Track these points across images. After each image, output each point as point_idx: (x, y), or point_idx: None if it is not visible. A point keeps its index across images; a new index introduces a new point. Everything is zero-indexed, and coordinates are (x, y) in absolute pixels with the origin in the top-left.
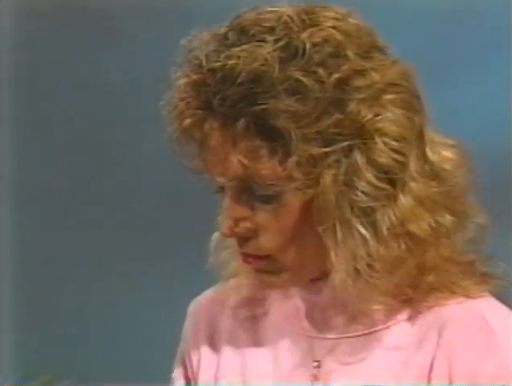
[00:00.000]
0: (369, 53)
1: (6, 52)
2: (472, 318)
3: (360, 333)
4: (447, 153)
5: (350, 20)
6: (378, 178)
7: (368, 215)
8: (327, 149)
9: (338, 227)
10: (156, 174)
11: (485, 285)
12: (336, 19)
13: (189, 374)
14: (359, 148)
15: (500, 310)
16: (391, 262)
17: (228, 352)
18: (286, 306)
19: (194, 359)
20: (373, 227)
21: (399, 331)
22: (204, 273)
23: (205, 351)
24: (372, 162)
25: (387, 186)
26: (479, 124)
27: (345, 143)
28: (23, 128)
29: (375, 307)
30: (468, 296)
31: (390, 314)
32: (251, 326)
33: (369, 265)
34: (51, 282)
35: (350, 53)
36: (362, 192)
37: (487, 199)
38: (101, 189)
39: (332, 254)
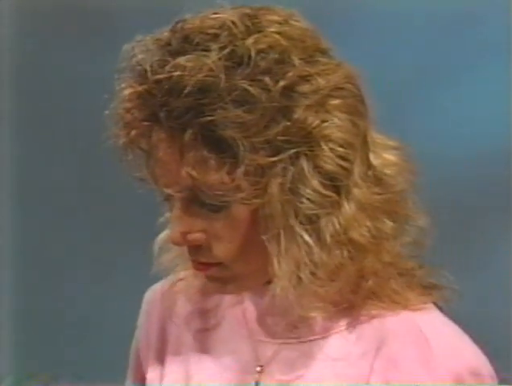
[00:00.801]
0: (314, 57)
1: (7, 52)
2: (410, 333)
3: (301, 339)
4: (389, 157)
5: (293, 23)
6: (324, 185)
7: (312, 223)
8: (275, 158)
9: (282, 235)
10: None
11: (428, 297)
12: (280, 23)
13: (141, 355)
14: (306, 155)
15: (440, 325)
16: (333, 269)
17: (174, 357)
18: (236, 311)
19: (144, 349)
20: (317, 234)
21: (338, 341)
22: None
23: (154, 347)
24: (318, 169)
25: (332, 194)
26: (479, 126)
27: (292, 151)
28: (24, 128)
29: (314, 314)
30: (409, 308)
31: (331, 322)
32: (201, 337)
33: (312, 273)
34: (51, 282)
35: (295, 58)
36: (308, 199)
37: (487, 199)
38: (102, 187)
39: (275, 262)
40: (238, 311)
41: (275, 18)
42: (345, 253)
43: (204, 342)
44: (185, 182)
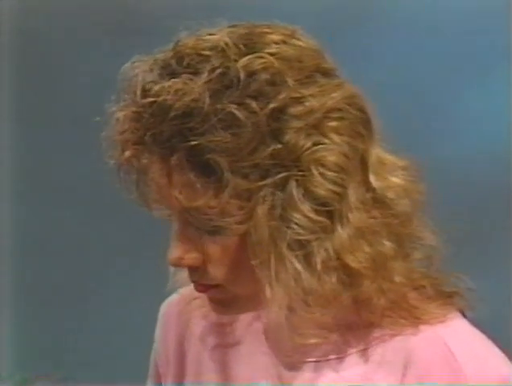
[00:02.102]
0: (311, 78)
1: (7, 51)
2: (435, 349)
3: (322, 359)
4: (394, 179)
5: (293, 42)
6: (315, 211)
7: (303, 248)
8: (262, 183)
9: (272, 261)
10: None
11: (449, 306)
12: (277, 43)
13: (160, 370)
14: (296, 180)
15: (464, 336)
16: (325, 296)
17: (194, 377)
18: (254, 328)
19: (164, 365)
20: (308, 260)
21: (361, 361)
22: None
23: (173, 363)
24: (308, 194)
25: (324, 219)
26: (480, 131)
27: (281, 175)
28: (24, 127)
29: (311, 341)
30: (431, 321)
31: (351, 342)
32: (220, 357)
33: (303, 300)
34: (51, 282)
35: (289, 80)
36: (297, 225)
37: (487, 204)
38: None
39: (267, 288)
40: (256, 328)
41: (274, 37)
42: (336, 279)
43: (224, 361)
44: (174, 206)
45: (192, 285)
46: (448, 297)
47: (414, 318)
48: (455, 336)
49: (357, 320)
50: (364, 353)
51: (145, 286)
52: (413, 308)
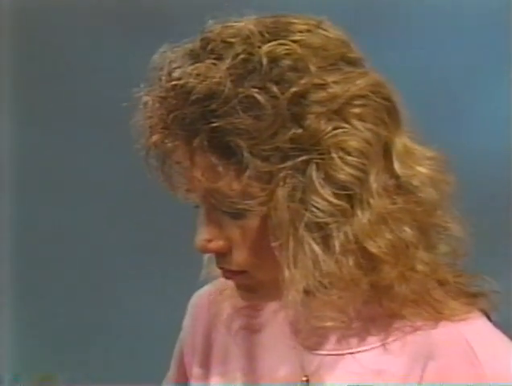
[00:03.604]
0: (336, 65)
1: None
2: (457, 347)
3: (344, 352)
4: (420, 168)
5: (319, 31)
6: (335, 195)
7: (321, 231)
8: (282, 165)
9: (291, 243)
10: None
11: (472, 305)
12: (301, 32)
13: (184, 359)
14: (316, 163)
15: (486, 335)
16: (343, 279)
17: (220, 366)
18: (279, 317)
19: (189, 355)
20: (326, 243)
21: (382, 353)
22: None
23: (200, 353)
24: (328, 178)
25: (344, 203)
26: (480, 129)
27: (301, 158)
28: (25, 125)
29: (328, 324)
30: (453, 318)
31: (372, 334)
32: (244, 342)
33: (320, 282)
34: (51, 282)
35: (312, 66)
36: (317, 208)
37: (487, 204)
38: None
39: (286, 270)
40: (281, 317)
41: (299, 26)
42: (354, 262)
43: (248, 349)
44: (198, 189)
45: (222, 279)
46: (471, 297)
47: (436, 313)
48: (477, 335)
49: (379, 310)
50: (384, 345)
51: (146, 286)
52: (436, 302)
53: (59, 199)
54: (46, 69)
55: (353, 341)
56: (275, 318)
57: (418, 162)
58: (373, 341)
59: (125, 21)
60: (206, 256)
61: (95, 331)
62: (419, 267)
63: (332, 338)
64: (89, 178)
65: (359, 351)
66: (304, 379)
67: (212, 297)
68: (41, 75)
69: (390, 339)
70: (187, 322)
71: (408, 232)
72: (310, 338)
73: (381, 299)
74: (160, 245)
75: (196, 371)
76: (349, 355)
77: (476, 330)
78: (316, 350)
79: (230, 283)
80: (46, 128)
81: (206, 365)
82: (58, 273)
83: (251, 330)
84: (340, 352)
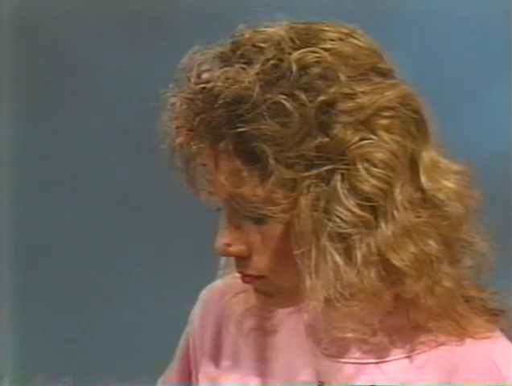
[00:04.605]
0: (365, 76)
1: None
2: (483, 365)
3: (364, 361)
4: (446, 183)
5: (351, 40)
6: (359, 206)
7: (344, 241)
8: (306, 174)
9: (313, 253)
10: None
11: (495, 323)
12: (332, 40)
13: (190, 352)
14: (341, 174)
15: (511, 354)
16: (364, 290)
17: (230, 365)
18: (293, 320)
19: (197, 350)
20: (348, 253)
21: (403, 365)
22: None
23: (208, 350)
24: (353, 189)
25: (367, 214)
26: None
27: (326, 167)
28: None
29: (349, 335)
30: (478, 336)
31: (395, 345)
32: (256, 343)
33: (341, 293)
34: (51, 281)
35: (342, 76)
36: (340, 218)
37: (487, 211)
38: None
39: (307, 279)
40: (295, 320)
41: (331, 34)
42: (376, 274)
43: (260, 350)
44: (221, 192)
45: (235, 275)
46: (493, 315)
47: (461, 328)
48: (502, 353)
49: (405, 322)
50: (409, 357)
51: (146, 286)
52: (460, 317)
53: (59, 196)
54: (46, 66)
55: (377, 351)
56: (289, 321)
57: (444, 176)
58: (397, 353)
59: (125, 22)
60: (223, 258)
61: (95, 330)
62: (446, 283)
63: (354, 347)
64: (89, 174)
65: (384, 361)
66: (319, 383)
67: (225, 297)
68: (41, 71)
69: (415, 352)
70: (196, 315)
71: (433, 245)
72: (331, 348)
73: (407, 311)
74: (161, 244)
75: (204, 367)
76: (373, 365)
77: (500, 348)
78: (336, 357)
79: (245, 284)
80: (46, 126)
81: (216, 362)
82: (58, 270)
83: (263, 332)
84: (362, 361)
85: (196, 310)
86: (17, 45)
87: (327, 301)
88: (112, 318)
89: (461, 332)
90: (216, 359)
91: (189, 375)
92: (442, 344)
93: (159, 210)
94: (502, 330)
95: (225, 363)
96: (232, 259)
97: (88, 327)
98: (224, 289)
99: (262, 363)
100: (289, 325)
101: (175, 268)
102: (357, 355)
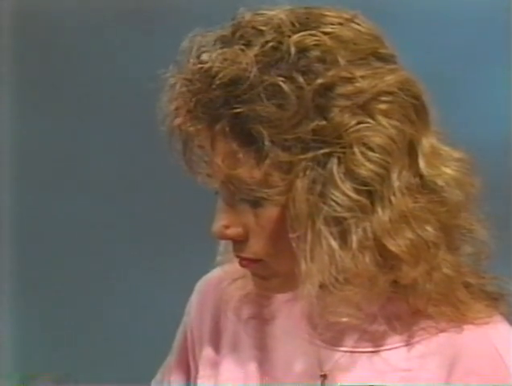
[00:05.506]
0: (365, 60)
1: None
2: (484, 350)
3: (366, 350)
4: (446, 169)
5: (351, 25)
6: (355, 190)
7: (339, 225)
8: (303, 156)
9: (309, 236)
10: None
11: (495, 308)
12: (333, 24)
13: (188, 344)
14: (337, 157)
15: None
16: (359, 275)
17: (230, 355)
18: (291, 308)
19: (196, 341)
20: (344, 238)
21: (404, 353)
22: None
23: (208, 340)
24: (349, 173)
25: (363, 199)
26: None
27: (323, 151)
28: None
29: (344, 320)
30: (478, 321)
31: (395, 332)
32: (256, 332)
33: (336, 277)
34: (52, 281)
35: (341, 59)
36: (336, 202)
37: (487, 200)
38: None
39: (302, 263)
40: (293, 308)
41: (331, 19)
42: (373, 260)
43: (260, 339)
44: (218, 174)
45: (232, 263)
46: (493, 299)
47: (460, 314)
48: (502, 339)
49: (405, 307)
50: (409, 345)
51: (147, 286)
52: (460, 303)
53: (59, 196)
54: (46, 66)
55: (377, 338)
56: (287, 309)
57: (444, 163)
58: (397, 340)
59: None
60: (222, 243)
61: (95, 329)
62: (445, 270)
63: (354, 335)
64: (89, 173)
65: (384, 349)
66: (322, 373)
67: (223, 284)
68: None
69: (415, 339)
70: (192, 307)
71: (430, 231)
72: (326, 333)
73: (407, 297)
74: (161, 244)
75: (204, 356)
76: (373, 353)
77: (500, 333)
78: (336, 346)
79: (242, 270)
80: (46, 125)
81: (216, 351)
82: (58, 267)
83: (262, 320)
84: (362, 350)
85: (193, 301)
86: (17, 45)
87: (322, 286)
88: (114, 318)
89: (461, 318)
90: (215, 347)
91: (187, 366)
92: (442, 331)
93: (159, 210)
94: (503, 315)
95: (225, 351)
96: (229, 247)
97: (90, 327)
98: (221, 276)
99: (262, 352)
100: (288, 313)
101: (175, 268)
102: (357, 342)
